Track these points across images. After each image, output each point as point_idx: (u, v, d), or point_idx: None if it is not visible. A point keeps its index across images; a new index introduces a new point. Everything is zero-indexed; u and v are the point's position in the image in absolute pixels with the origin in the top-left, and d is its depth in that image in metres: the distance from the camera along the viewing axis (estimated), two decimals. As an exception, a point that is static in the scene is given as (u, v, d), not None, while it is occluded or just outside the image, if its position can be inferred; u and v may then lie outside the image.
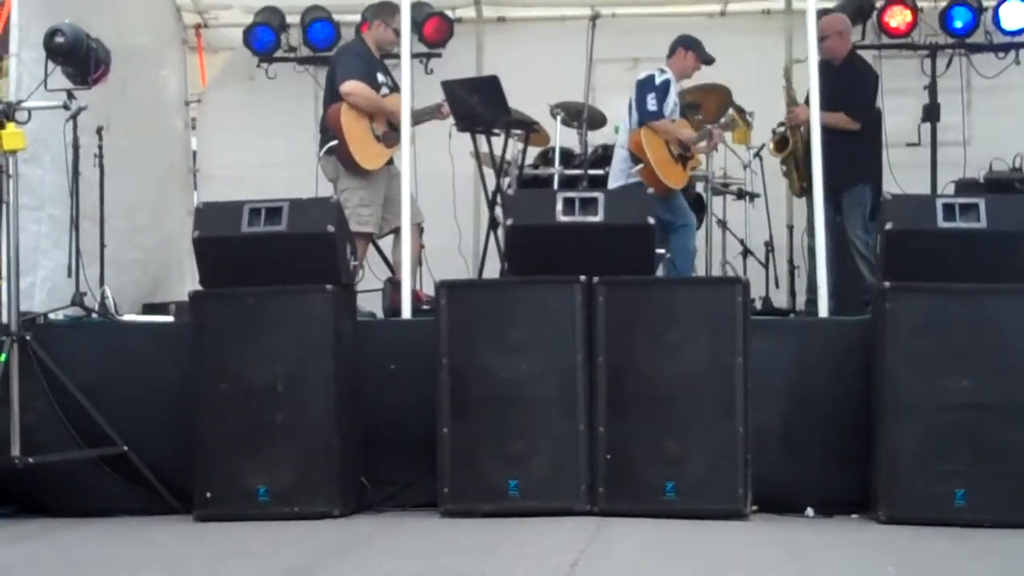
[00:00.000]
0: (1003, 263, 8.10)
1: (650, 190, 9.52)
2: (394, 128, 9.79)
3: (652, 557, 6.89)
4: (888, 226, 8.23)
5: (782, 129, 10.87)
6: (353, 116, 9.84)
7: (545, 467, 8.09)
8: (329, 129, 9.95)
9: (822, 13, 10.70)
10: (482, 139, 10.80)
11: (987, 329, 7.98)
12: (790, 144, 10.86)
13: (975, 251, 8.12)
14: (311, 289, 8.23)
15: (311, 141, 10.78)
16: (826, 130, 10.10)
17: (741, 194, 11.52)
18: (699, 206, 11.15)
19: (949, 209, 8.21)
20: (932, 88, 11.88)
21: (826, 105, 10.23)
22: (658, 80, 10.48)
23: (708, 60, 10.79)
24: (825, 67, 10.54)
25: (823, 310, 8.90)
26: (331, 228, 8.33)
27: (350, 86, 9.88)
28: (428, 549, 7.08)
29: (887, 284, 8.11)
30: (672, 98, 10.53)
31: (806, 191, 10.50)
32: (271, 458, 8.12)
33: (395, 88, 10.11)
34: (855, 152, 10.52)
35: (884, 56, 12.04)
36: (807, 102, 9.95)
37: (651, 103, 10.36)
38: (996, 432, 7.86)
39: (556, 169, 10.63)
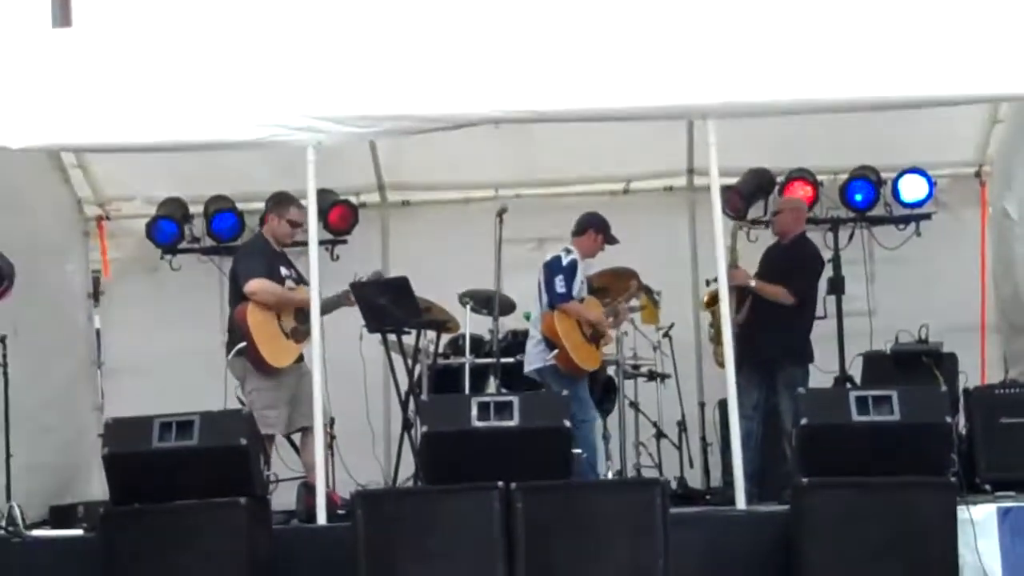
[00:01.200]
0: (918, 454, 8.17)
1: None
2: (303, 322, 9.75)
3: None
4: (803, 421, 8.31)
5: (715, 283, 10.87)
6: (260, 316, 9.79)
7: (470, 678, 8.01)
8: (237, 330, 9.87)
9: (726, 189, 10.85)
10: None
11: (903, 523, 8.04)
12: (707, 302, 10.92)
13: (890, 443, 8.21)
14: (224, 503, 8.14)
15: (217, 330, 10.73)
16: (763, 304, 10.28)
17: (652, 375, 11.55)
18: (611, 389, 11.16)
19: (862, 402, 8.32)
20: (836, 261, 11.98)
21: (769, 282, 10.47)
22: (565, 261, 10.56)
23: (613, 241, 10.88)
24: (775, 246, 10.93)
25: (740, 501, 8.89)
26: (244, 441, 8.26)
27: (254, 285, 9.85)
28: None
29: (804, 480, 8.15)
30: (579, 277, 10.59)
31: (743, 372, 10.51)
32: None
33: (300, 280, 10.10)
34: (792, 332, 10.64)
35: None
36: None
37: (560, 285, 10.43)
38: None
39: (467, 359, 10.60)
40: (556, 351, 10.35)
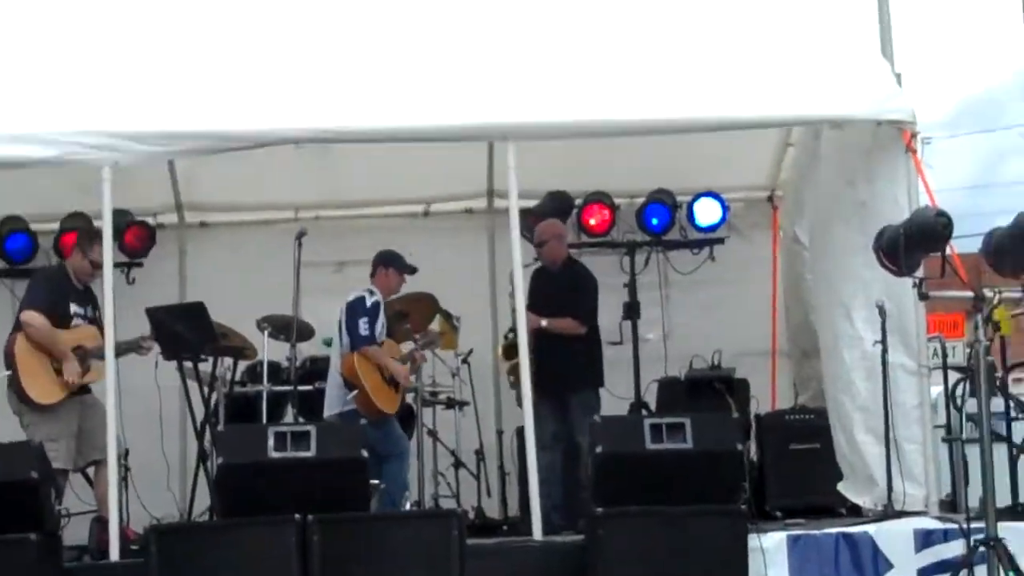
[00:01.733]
0: (711, 482, 8.30)
1: (363, 420, 9.53)
2: (80, 362, 9.55)
3: None
4: (598, 449, 8.40)
5: (512, 336, 10.91)
6: (28, 348, 9.52)
7: None
8: (6, 359, 9.64)
9: (524, 212, 10.85)
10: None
11: (696, 551, 8.17)
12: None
13: (683, 471, 8.32)
14: (14, 540, 7.96)
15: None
16: (551, 337, 10.31)
17: (450, 403, 11.57)
18: (409, 417, 11.15)
19: (656, 430, 8.44)
20: (632, 285, 12.09)
21: (549, 311, 10.50)
22: (368, 303, 10.50)
23: (410, 271, 10.86)
24: (543, 273, 10.84)
25: (536, 532, 8.93)
26: (34, 474, 8.10)
27: (28, 316, 9.60)
28: None
29: (599, 510, 8.24)
30: (381, 319, 10.56)
31: (539, 403, 10.54)
32: None
33: (92, 320, 9.85)
34: (582, 357, 10.68)
35: (584, 253, 12.28)
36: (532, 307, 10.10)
37: (363, 328, 10.37)
38: (712, 655, 8.01)
39: (265, 386, 10.52)
40: (355, 392, 10.29)
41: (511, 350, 10.77)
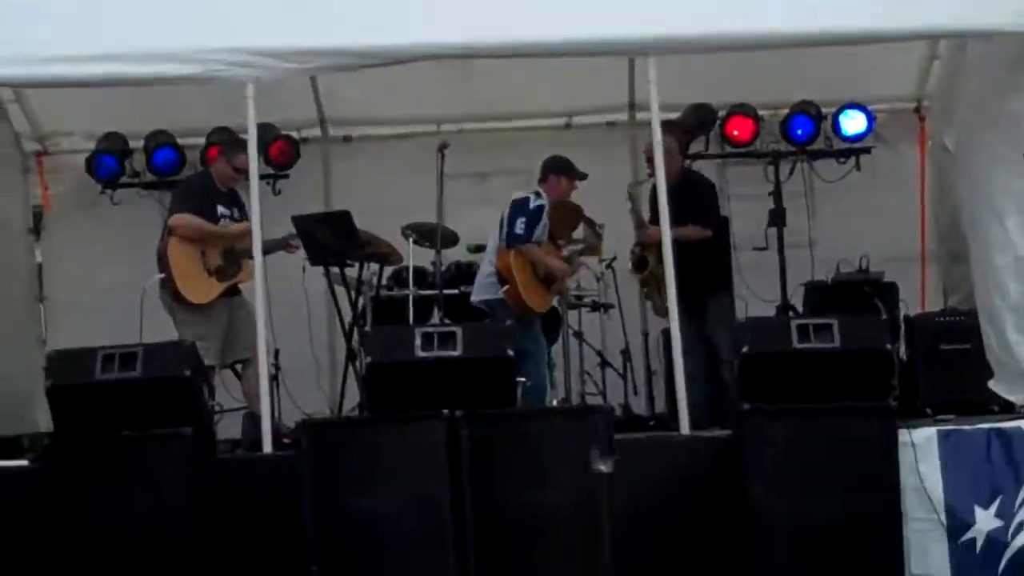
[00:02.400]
0: (859, 381, 8.22)
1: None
2: (230, 263, 9.71)
3: None
4: (745, 349, 8.33)
5: (638, 250, 10.94)
6: (181, 250, 9.76)
7: (416, 605, 8.02)
8: (160, 262, 9.87)
9: (667, 124, 10.85)
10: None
11: (845, 447, 8.08)
12: (649, 264, 10.90)
13: (831, 370, 8.25)
14: (169, 434, 8.09)
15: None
16: (680, 244, 10.27)
17: (595, 306, 11.60)
18: (555, 319, 11.19)
19: (803, 330, 8.35)
20: (776, 194, 12.07)
21: (673, 222, 10.43)
22: (532, 205, 10.57)
23: (581, 177, 10.91)
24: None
25: (684, 427, 8.94)
26: (187, 372, 8.22)
27: (177, 219, 9.87)
28: None
29: (746, 406, 8.20)
30: (543, 222, 10.60)
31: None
32: (136, 609, 7.95)
33: (241, 220, 10.03)
34: (711, 260, 10.71)
35: (728, 164, 12.23)
36: (653, 221, 10.05)
37: (519, 227, 10.44)
38: (861, 549, 7.94)
39: (411, 291, 10.59)
40: (507, 286, 10.35)
41: (640, 263, 10.81)
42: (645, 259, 10.92)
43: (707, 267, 10.66)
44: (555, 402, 10.51)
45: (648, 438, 9.41)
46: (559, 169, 10.82)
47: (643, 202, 10.96)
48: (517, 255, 10.42)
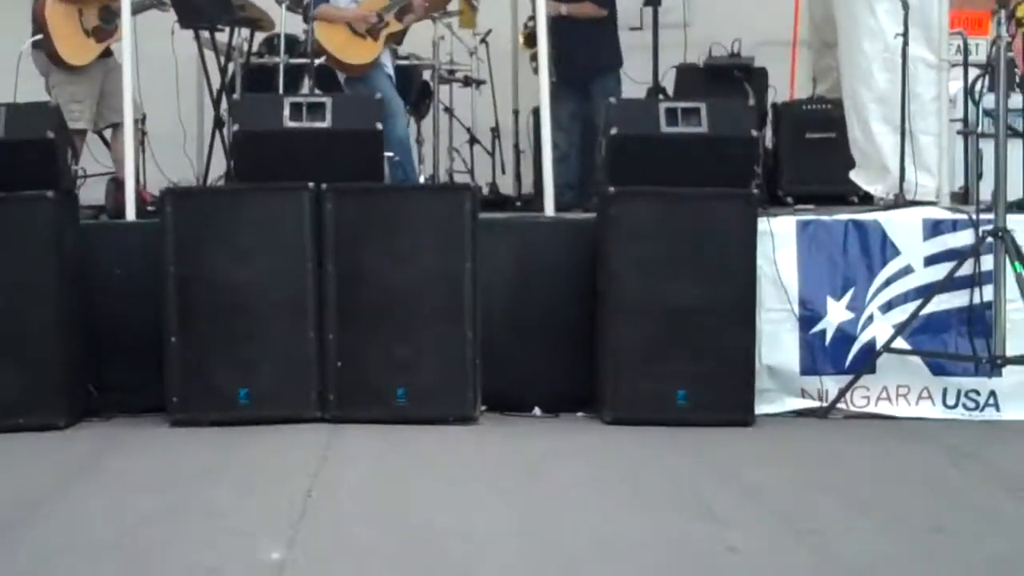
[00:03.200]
0: (724, 166, 8.27)
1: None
2: (107, 21, 9.50)
3: (386, 476, 6.94)
4: (612, 131, 8.34)
5: (532, 24, 10.79)
6: (60, 10, 9.42)
7: (275, 375, 8.07)
8: (35, 23, 9.55)
9: None
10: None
11: (706, 231, 8.18)
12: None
13: (696, 155, 8.28)
14: (31, 197, 7.99)
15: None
16: (570, 21, 10.23)
17: (468, 81, 11.52)
18: (426, 94, 11.13)
19: (671, 113, 8.36)
20: (653, -32, 11.98)
21: None
22: None
23: None
24: None
25: (548, 208, 9.00)
26: (51, 134, 8.09)
27: None
28: (159, 474, 6.98)
29: (611, 189, 8.24)
30: None
31: (558, 86, 10.52)
32: (-7, 371, 7.93)
33: None
34: (601, 41, 10.70)
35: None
36: None
37: None
38: (715, 334, 8.10)
39: (281, 59, 10.42)
40: (323, 57, 10.21)
41: (531, 38, 10.68)
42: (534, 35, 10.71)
43: (597, 47, 10.61)
44: (422, 178, 10.49)
45: (512, 218, 9.44)
46: None
47: None
48: (320, 25, 10.18)
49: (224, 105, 10.19)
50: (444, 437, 7.77)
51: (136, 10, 9.48)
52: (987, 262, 8.21)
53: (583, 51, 10.49)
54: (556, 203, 9.08)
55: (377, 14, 10.28)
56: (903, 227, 8.48)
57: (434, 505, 6.32)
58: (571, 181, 10.27)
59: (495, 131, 11.73)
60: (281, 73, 10.34)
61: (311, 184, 8.09)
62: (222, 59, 10.44)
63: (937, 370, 8.37)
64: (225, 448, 7.47)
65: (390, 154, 9.23)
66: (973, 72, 9.31)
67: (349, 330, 8.09)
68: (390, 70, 10.42)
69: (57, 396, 7.97)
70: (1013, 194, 8.42)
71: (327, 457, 7.29)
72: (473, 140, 11.62)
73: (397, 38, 10.61)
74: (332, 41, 10.21)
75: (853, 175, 9.45)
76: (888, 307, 8.40)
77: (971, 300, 8.29)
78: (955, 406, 8.37)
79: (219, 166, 10.04)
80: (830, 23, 10.64)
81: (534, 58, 10.48)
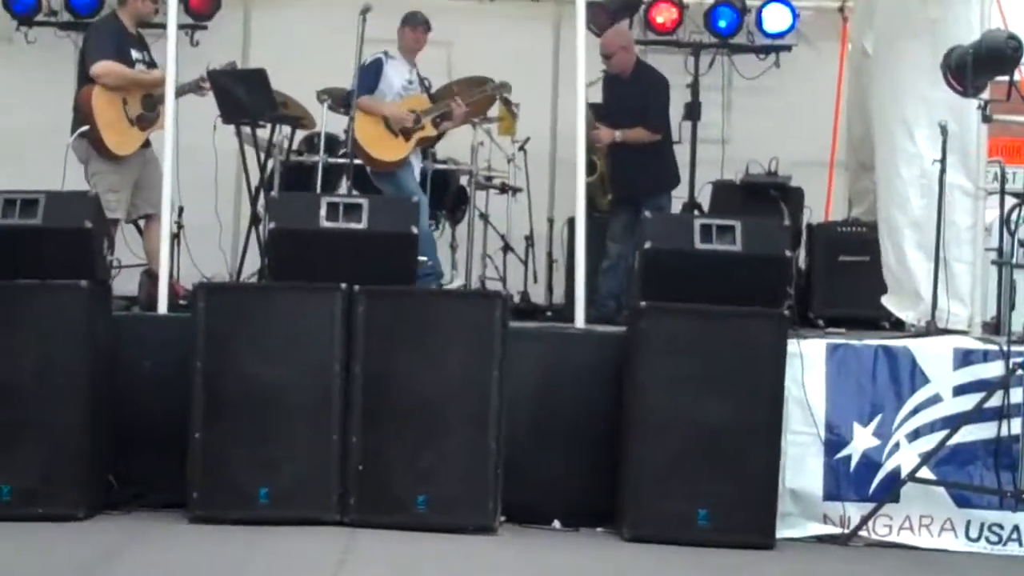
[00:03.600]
0: (756, 285, 8.27)
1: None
2: (150, 109, 9.60)
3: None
4: (646, 245, 8.36)
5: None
6: (106, 99, 9.55)
7: (296, 475, 8.06)
8: (80, 112, 9.65)
9: (592, 5, 10.79)
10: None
11: (737, 352, 8.16)
12: (598, 168, 10.75)
13: (729, 273, 8.29)
14: (64, 285, 8.04)
15: (70, 109, 10.48)
16: (626, 147, 10.31)
17: (504, 188, 11.56)
18: (462, 199, 11.18)
19: (706, 230, 8.38)
20: (695, 86, 12.07)
21: (622, 118, 10.59)
22: (370, 59, 10.43)
23: (421, 23, 10.71)
24: (615, 80, 10.81)
25: (579, 319, 8.99)
26: (88, 224, 8.15)
27: (101, 67, 9.58)
28: (175, 571, 6.96)
29: (643, 303, 8.24)
30: (387, 74, 10.52)
31: (614, 203, 10.76)
32: (18, 457, 7.90)
33: (152, 65, 9.89)
34: (655, 163, 10.75)
35: (649, 51, 12.19)
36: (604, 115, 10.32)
37: (353, 85, 10.30)
38: (739, 455, 8.07)
39: (321, 156, 10.50)
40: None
41: (589, 168, 10.57)
42: (594, 163, 10.66)
43: (651, 169, 10.68)
44: (455, 284, 10.52)
45: (542, 328, 9.46)
46: (403, 20, 10.70)
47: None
48: (360, 115, 10.27)
49: (261, 201, 10.23)
50: (462, 547, 7.74)
51: (179, 93, 9.55)
52: (1016, 395, 8.17)
53: (637, 173, 10.60)
54: (597, 313, 9.20)
55: (416, 116, 10.37)
56: (933, 356, 8.45)
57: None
58: (615, 291, 10.34)
59: (529, 239, 11.75)
60: (320, 172, 10.41)
61: (344, 285, 8.12)
62: (262, 155, 10.50)
63: (961, 502, 8.30)
64: (243, 547, 7.46)
65: (423, 258, 9.25)
66: (1010, 201, 9.30)
67: (373, 433, 8.08)
68: (417, 169, 10.56)
69: (78, 487, 7.97)
70: (1045, 327, 8.41)
71: (345, 561, 7.27)
72: (507, 247, 11.64)
73: (429, 142, 10.72)
74: (365, 133, 10.31)
75: (885, 300, 9.43)
76: (915, 435, 8.35)
77: (998, 432, 8.23)
78: (978, 539, 8.30)
79: (253, 262, 10.07)
80: (868, 146, 10.67)
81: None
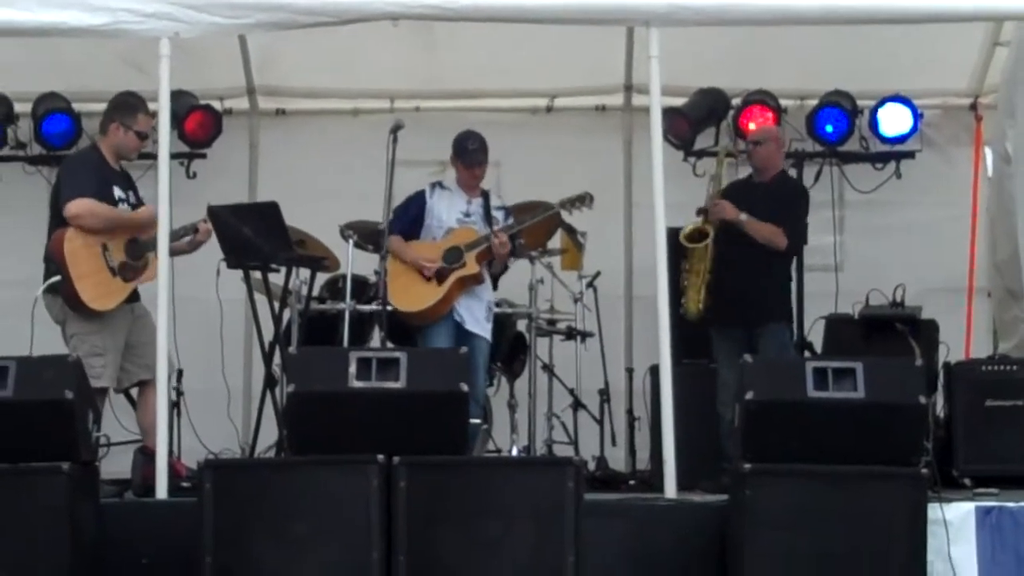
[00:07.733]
0: (884, 440, 8.28)
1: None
2: (136, 256, 9.66)
3: None
4: (748, 396, 8.38)
5: (701, 219, 10.77)
6: (80, 244, 9.55)
7: None
8: (52, 261, 9.72)
9: (670, 112, 10.91)
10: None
11: (863, 521, 8.15)
12: (707, 239, 10.68)
13: (851, 426, 8.32)
14: (42, 469, 8.14)
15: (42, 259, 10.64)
16: (744, 246, 10.26)
17: (571, 333, 11.59)
18: (520, 348, 11.22)
19: (821, 375, 8.41)
20: (799, 203, 12.11)
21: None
22: (412, 192, 10.65)
23: (466, 157, 10.74)
24: (746, 184, 10.99)
25: (669, 489, 8.97)
26: (69, 394, 8.24)
27: (77, 206, 9.58)
28: None
29: (746, 466, 8.24)
30: (437, 213, 10.68)
31: (705, 316, 10.66)
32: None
33: (139, 205, 9.96)
34: (776, 282, 10.77)
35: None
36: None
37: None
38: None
39: (348, 304, 10.59)
40: None
41: (696, 234, 10.67)
42: (704, 232, 10.69)
43: (770, 287, 10.70)
44: (515, 450, 10.54)
45: (625, 500, 9.46)
46: (454, 151, 10.79)
47: (723, 180, 10.94)
48: (391, 259, 10.42)
49: (277, 359, 10.29)
50: None
51: (173, 240, 9.55)
52: None
53: (754, 288, 10.56)
54: (708, 483, 9.20)
55: (440, 267, 10.50)
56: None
57: None
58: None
59: (604, 393, 11.77)
60: (347, 322, 10.49)
61: (380, 457, 8.16)
62: (276, 304, 10.57)
63: None
64: None
65: (477, 420, 9.29)
66: None
67: (424, 636, 8.09)
68: (481, 307, 10.61)
69: None
70: None
71: None
72: (578, 404, 11.66)
73: (478, 279, 10.71)
74: (393, 281, 10.39)
75: (1045, 452, 9.41)
76: (1091, 617, 8.29)
77: None
78: None
79: (270, 434, 10.12)
80: (1016, 267, 10.69)
81: (684, 269, 10.63)
